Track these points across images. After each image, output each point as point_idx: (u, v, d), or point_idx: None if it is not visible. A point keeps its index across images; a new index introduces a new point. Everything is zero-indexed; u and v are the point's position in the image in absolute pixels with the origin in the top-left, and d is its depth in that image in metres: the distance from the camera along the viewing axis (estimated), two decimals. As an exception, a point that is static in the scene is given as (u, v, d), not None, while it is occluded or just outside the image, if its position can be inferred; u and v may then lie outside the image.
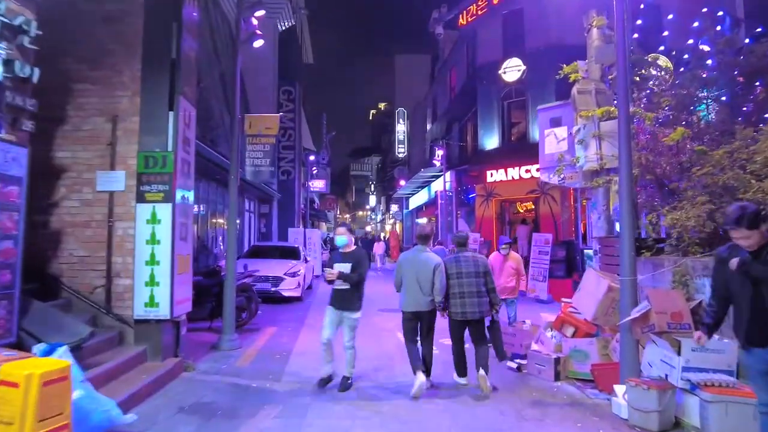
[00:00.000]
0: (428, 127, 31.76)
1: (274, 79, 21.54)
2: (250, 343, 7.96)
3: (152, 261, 5.89)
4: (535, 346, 6.89)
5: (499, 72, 18.42)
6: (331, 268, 5.90)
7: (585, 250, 13.73)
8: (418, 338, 5.79)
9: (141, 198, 5.94)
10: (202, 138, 11.49)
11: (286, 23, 21.84)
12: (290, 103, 22.11)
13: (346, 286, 5.85)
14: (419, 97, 36.97)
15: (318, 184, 25.85)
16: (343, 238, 6.06)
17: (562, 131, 8.17)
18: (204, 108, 13.01)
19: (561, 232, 16.46)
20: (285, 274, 12.76)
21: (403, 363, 6.35)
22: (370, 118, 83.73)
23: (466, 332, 5.85)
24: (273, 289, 12.54)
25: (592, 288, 6.31)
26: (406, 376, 5.81)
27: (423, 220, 29.00)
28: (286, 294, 12.63)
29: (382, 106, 74.28)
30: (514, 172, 18.00)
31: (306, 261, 14.53)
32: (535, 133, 17.70)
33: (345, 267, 5.82)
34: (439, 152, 18.51)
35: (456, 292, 5.61)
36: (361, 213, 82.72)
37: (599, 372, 5.64)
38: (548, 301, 14.60)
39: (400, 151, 39.27)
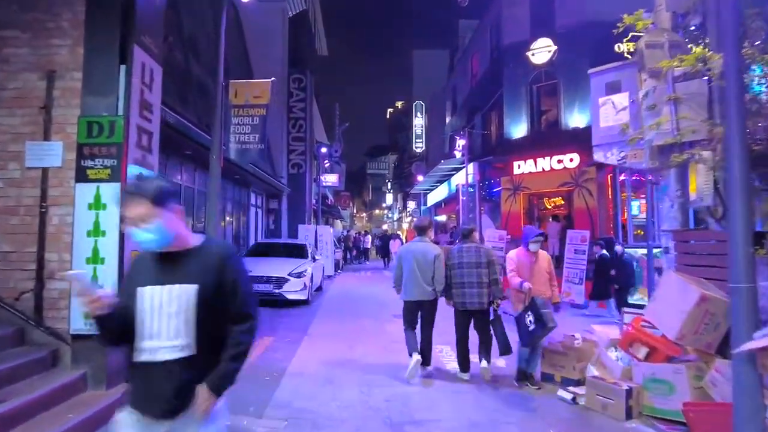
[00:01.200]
0: (447, 120, 30.16)
1: (284, 67, 20.21)
2: (236, 359, 6.53)
3: (95, 258, 4.50)
4: (594, 370, 5.34)
5: (527, 54, 16.81)
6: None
7: (629, 250, 12.06)
8: (418, 327, 5.91)
9: (82, 176, 4.56)
10: (197, 122, 10.18)
11: (296, 7, 20.50)
12: (301, 92, 20.76)
13: None
14: (437, 91, 35.41)
15: (331, 179, 24.45)
16: None
17: (621, 98, 6.57)
18: (199, 84, 11.69)
19: (598, 229, 14.77)
20: (289, 274, 11.36)
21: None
22: (387, 116, 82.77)
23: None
24: (276, 291, 11.16)
25: (675, 297, 4.75)
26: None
27: (442, 218, 27.42)
28: (290, 297, 11.24)
29: (399, 104, 73.50)
30: (544, 163, 16.35)
31: (314, 260, 13.12)
32: (568, 120, 16.09)
33: None
34: (461, 142, 16.94)
35: (457, 282, 5.60)
36: (377, 212, 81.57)
37: (698, 415, 4.07)
38: (584, 306, 13.00)
39: (418, 145, 37.69)
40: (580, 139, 15.55)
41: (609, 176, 15.20)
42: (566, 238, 17.20)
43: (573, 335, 6.31)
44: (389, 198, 67.26)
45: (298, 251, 13.11)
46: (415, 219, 39.59)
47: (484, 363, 5.55)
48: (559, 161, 15.96)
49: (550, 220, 17.42)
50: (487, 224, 17.56)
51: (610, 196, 15.23)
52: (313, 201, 20.98)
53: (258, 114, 6.15)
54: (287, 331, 8.66)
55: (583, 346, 5.98)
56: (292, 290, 11.29)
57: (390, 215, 66.32)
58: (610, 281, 10.21)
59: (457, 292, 5.62)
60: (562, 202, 19.77)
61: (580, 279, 13.37)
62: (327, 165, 22.86)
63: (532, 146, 16.64)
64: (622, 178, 14.69)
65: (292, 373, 6.10)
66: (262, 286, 11.13)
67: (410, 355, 5.68)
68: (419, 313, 5.87)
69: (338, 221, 35.43)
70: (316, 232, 19.19)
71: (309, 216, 20.73)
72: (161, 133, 5.33)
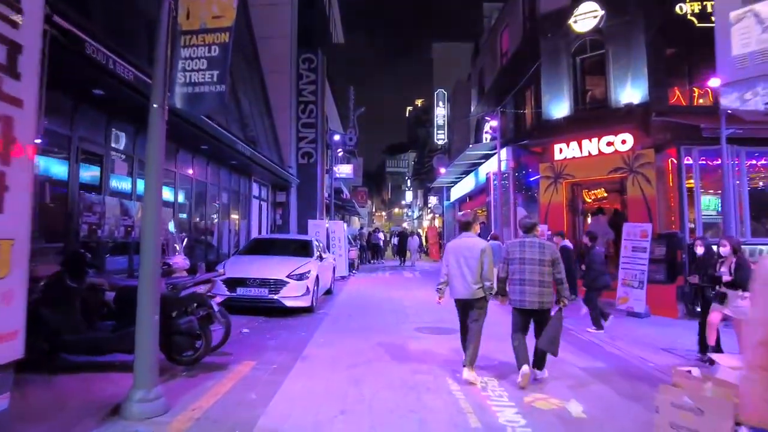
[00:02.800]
0: (473, 108, 27.88)
1: (293, 46, 18.25)
2: (189, 402, 4.48)
3: None
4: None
5: (569, 22, 14.49)
6: None
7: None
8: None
9: None
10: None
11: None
12: (311, 73, 18.77)
13: None
14: (461, 80, 33.13)
15: (345, 170, 22.40)
16: None
17: (769, 9, 4.33)
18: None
19: (658, 223, 12.41)
20: (288, 276, 9.33)
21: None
22: (407, 114, 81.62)
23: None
24: (271, 296, 9.15)
25: None
26: None
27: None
28: (288, 304, 9.22)
29: (419, 102, 72.41)
30: (591, 146, 14.00)
31: (321, 259, 11.07)
32: (619, 95, 13.74)
33: None
34: (492, 123, 14.72)
35: (516, 279, 5.24)
36: (397, 210, 79.96)
37: None
38: (644, 315, 10.74)
39: (440, 137, 35.41)
40: (635, 118, 13.26)
41: (670, 160, 12.82)
42: (609, 233, 14.93)
43: (688, 370, 4.01)
44: (409, 195, 65.19)
45: (301, 249, 11.08)
46: (436, 217, 37.72)
47: (525, 368, 5.09)
48: (609, 144, 13.60)
49: (594, 214, 15.11)
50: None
51: (671, 184, 12.83)
52: (326, 194, 18.97)
53: (219, 42, 4.08)
54: (276, 351, 6.60)
55: (716, 392, 3.71)
56: (292, 295, 9.26)
57: (410, 213, 64.16)
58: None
59: (515, 289, 5.26)
60: (605, 195, 17.39)
61: (640, 282, 11.09)
62: (340, 154, 20.79)
63: (575, 127, 14.32)
64: (688, 161, 12.31)
65: (266, 427, 4.02)
66: (253, 291, 9.14)
67: (463, 366, 5.34)
68: (469, 313, 5.47)
69: (355, 218, 33.40)
70: (327, 228, 17.18)
71: (321, 211, 18.74)
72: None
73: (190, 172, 10.53)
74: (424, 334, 8.05)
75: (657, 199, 12.72)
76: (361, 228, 28.67)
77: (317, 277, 10.19)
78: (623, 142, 13.41)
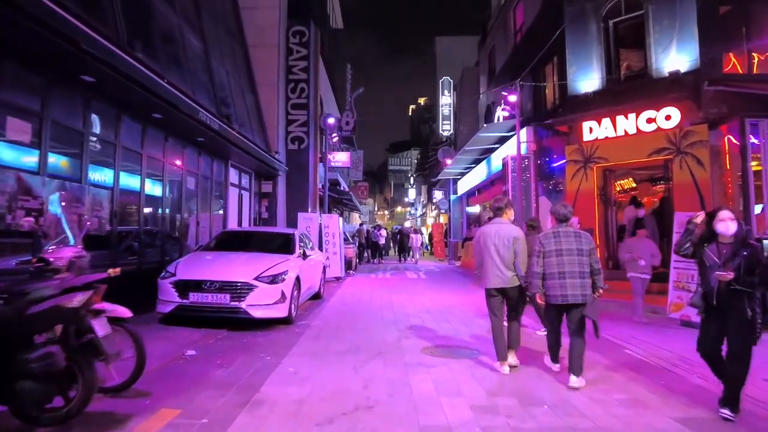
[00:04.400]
0: (481, 97, 25.74)
1: (281, 17, 16.15)
2: None
3: None
4: None
5: (599, -20, 12.37)
6: None
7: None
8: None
9: None
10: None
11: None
12: (303, 48, 16.65)
13: None
14: (468, 67, 30.96)
15: (341, 158, 20.23)
16: None
17: None
18: None
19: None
20: (258, 278, 7.24)
21: None
22: (410, 112, 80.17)
23: None
24: (234, 304, 7.07)
25: None
26: None
27: (475, 208, 22.99)
28: (257, 314, 7.12)
29: (422, 100, 71.47)
30: (627, 124, 11.86)
31: (305, 257, 8.96)
32: (661, 63, 11.58)
33: None
34: (511, 98, 12.56)
35: (554, 272, 4.88)
36: (399, 209, 78.19)
37: None
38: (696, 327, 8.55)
39: (445, 128, 33.19)
40: (683, 88, 11.10)
41: (727, 138, 10.67)
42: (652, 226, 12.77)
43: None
44: (412, 193, 63.03)
45: (280, 245, 8.99)
46: (441, 213, 35.48)
47: (574, 378, 4.73)
48: (650, 120, 11.45)
49: (629, 204, 12.95)
50: (547, 209, 13.11)
51: (728, 166, 10.68)
52: (319, 185, 16.85)
53: None
54: (220, 389, 4.50)
55: None
56: (261, 303, 7.16)
57: (413, 211, 62.01)
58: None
59: (555, 283, 4.86)
60: (633, 185, 15.23)
61: (698, 284, 8.94)
62: (335, 139, 18.63)
63: (608, 102, 12.17)
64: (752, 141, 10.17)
65: None
66: (211, 297, 7.05)
67: (498, 360, 5.22)
68: (504, 302, 5.35)
69: (355, 214, 31.25)
70: (320, 222, 15.07)
71: (313, 203, 16.63)
72: None
73: (140, 147, 8.42)
74: (435, 357, 5.93)
75: (711, 185, 10.57)
76: (360, 224, 26.50)
77: (298, 279, 8.08)
78: (667, 117, 11.26)
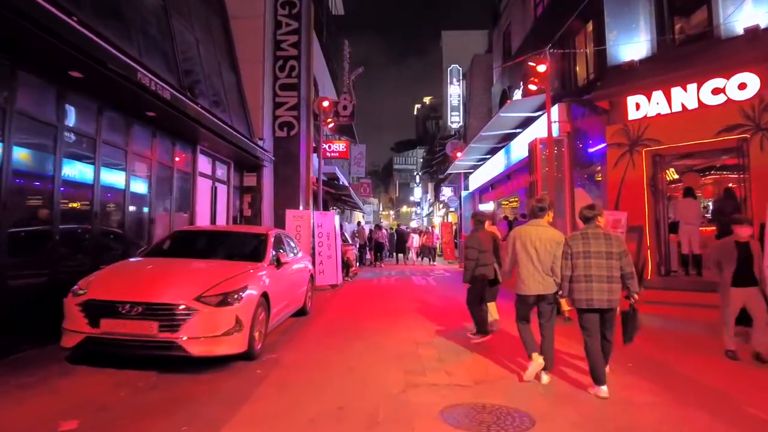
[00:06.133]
0: (495, 85, 23.49)
1: (268, -16, 13.96)
2: None
3: None
4: None
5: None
6: None
7: None
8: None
9: None
10: None
11: None
12: (293, 20, 14.43)
13: None
14: (479, 54, 28.69)
15: (337, 148, 17.94)
16: None
17: None
18: None
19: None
20: (200, 298, 5.03)
21: None
22: (415, 112, 78.70)
23: None
24: (164, 336, 4.85)
25: None
26: None
27: (489, 206, 20.66)
28: (195, 351, 4.95)
29: (427, 99, 70.06)
30: (686, 97, 9.57)
31: (279, 265, 6.71)
32: (731, 20, 9.30)
33: None
34: (540, 68, 10.26)
35: (581, 275, 4.65)
36: (405, 209, 76.27)
37: None
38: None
39: (454, 120, 30.89)
40: (763, 48, 8.82)
41: (823, 110, 8.36)
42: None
43: None
44: (417, 192, 60.79)
45: (246, 249, 6.79)
46: (450, 212, 33.15)
47: (603, 388, 4.56)
48: (717, 91, 9.15)
49: (684, 195, 10.69)
50: (585, 203, 10.81)
51: (825, 146, 8.37)
52: (313, 178, 14.65)
53: None
54: None
55: None
56: (204, 334, 4.96)
57: (419, 211, 59.73)
58: None
59: (581, 286, 4.64)
60: (676, 176, 12.94)
61: None
62: (330, 126, 16.37)
63: (660, 71, 9.88)
64: None
65: None
66: (130, 326, 4.85)
67: (530, 357, 4.99)
68: (538, 309, 5.03)
69: (357, 213, 29.00)
70: (313, 219, 12.88)
71: (306, 199, 14.42)
72: None
73: (55, 118, 6.23)
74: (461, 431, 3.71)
75: (803, 170, 8.27)
76: (359, 223, 24.24)
77: (266, 296, 5.88)
78: (741, 86, 8.94)
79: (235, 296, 5.22)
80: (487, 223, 7.38)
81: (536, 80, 10.65)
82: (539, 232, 4.99)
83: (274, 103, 14.20)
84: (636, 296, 4.72)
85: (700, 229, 10.45)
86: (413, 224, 49.18)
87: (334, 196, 19.24)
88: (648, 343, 6.72)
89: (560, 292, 4.87)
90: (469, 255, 6.96)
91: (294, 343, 6.60)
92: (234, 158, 12.07)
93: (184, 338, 4.83)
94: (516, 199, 17.05)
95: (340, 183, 19.05)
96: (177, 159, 9.46)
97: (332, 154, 17.63)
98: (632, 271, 4.66)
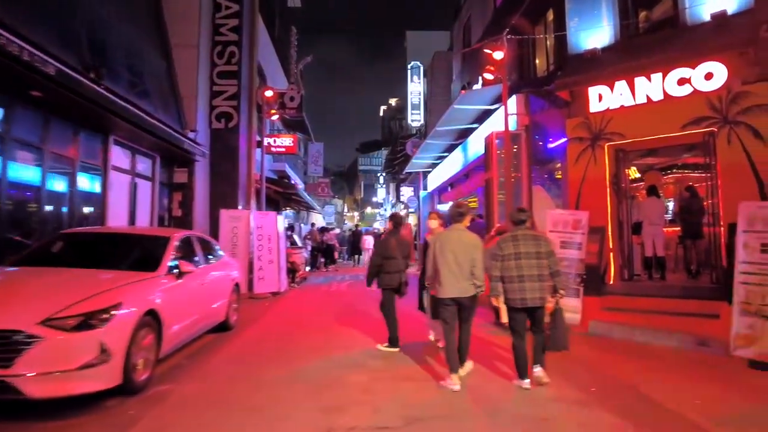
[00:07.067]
0: (454, 82, 22.78)
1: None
2: None
3: None
4: None
5: None
6: None
7: None
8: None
9: None
10: None
11: None
12: (233, 3, 13.17)
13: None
14: (440, 52, 27.99)
15: (283, 142, 16.68)
16: None
17: None
18: None
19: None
20: (47, 322, 3.84)
21: None
22: (381, 113, 78.17)
23: None
24: (-10, 375, 3.62)
25: None
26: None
27: (447, 207, 19.82)
28: (39, 394, 3.72)
29: (393, 101, 69.86)
30: (651, 88, 8.89)
31: (180, 275, 5.53)
32: (698, 4, 8.71)
33: None
34: (496, 55, 9.42)
35: (514, 276, 4.87)
36: (369, 210, 75.42)
37: None
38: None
39: (415, 118, 30.09)
40: (731, 36, 8.20)
41: (792, 101, 7.79)
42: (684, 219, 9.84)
43: None
44: (381, 193, 59.97)
45: (140, 255, 5.62)
46: (410, 213, 32.31)
47: (538, 368, 4.91)
48: (682, 81, 8.49)
49: (648, 194, 10.08)
50: (545, 202, 10.07)
51: (795, 141, 7.81)
52: (257, 174, 13.42)
53: None
54: None
55: None
56: (52, 370, 3.77)
57: (382, 212, 58.88)
58: None
59: (513, 287, 4.86)
60: (638, 175, 12.40)
61: None
62: (275, 118, 15.14)
63: (624, 60, 9.19)
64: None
65: None
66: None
67: (451, 372, 4.93)
68: (458, 311, 5.06)
69: (317, 215, 27.71)
70: (253, 221, 11.69)
71: (247, 197, 13.18)
72: None
73: None
74: None
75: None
76: (313, 225, 23.05)
77: (155, 315, 4.72)
78: (708, 76, 8.30)
79: (102, 317, 4.06)
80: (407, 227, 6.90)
81: (492, 69, 9.80)
82: (458, 236, 5.10)
83: (212, 91, 12.93)
84: (562, 292, 5.01)
85: (664, 229, 9.84)
86: (377, 225, 48.26)
87: (285, 196, 18.03)
88: (609, 358, 5.92)
89: (481, 291, 5.03)
90: (373, 260, 6.42)
91: (198, 368, 5.46)
92: (160, 151, 10.76)
93: (22, 375, 3.65)
94: (475, 199, 16.25)
95: (292, 181, 17.84)
96: (81, 150, 8.13)
97: (277, 149, 16.40)
98: (559, 270, 4.97)
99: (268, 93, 12.96)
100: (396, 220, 6.89)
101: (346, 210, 78.06)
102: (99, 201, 8.63)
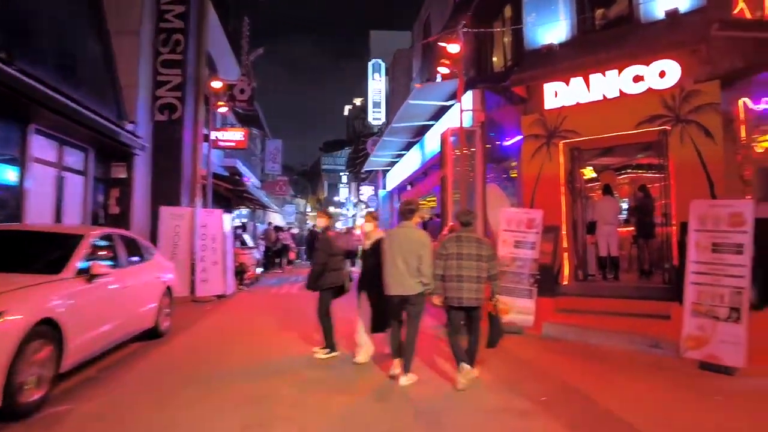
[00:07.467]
0: (414, 80, 22.47)
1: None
2: None
3: None
4: None
5: None
6: None
7: None
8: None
9: None
10: None
11: None
12: (178, -15, 12.41)
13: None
14: (403, 49, 27.66)
15: (233, 136, 15.89)
16: None
17: None
18: None
19: (722, 198, 7.31)
20: None
21: None
22: (346, 113, 77.51)
23: None
24: None
25: None
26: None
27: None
28: None
29: (358, 101, 69.18)
30: (606, 85, 8.77)
31: (92, 278, 4.92)
32: (650, 5, 8.64)
33: None
34: (452, 48, 9.08)
35: (453, 275, 4.97)
36: (333, 210, 74.60)
37: None
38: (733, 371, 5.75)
39: (376, 116, 29.71)
40: (683, 34, 8.13)
41: (742, 101, 7.80)
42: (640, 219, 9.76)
43: None
44: (343, 192, 59.33)
45: (44, 255, 4.98)
46: (371, 209, 31.92)
47: (463, 366, 4.83)
48: (637, 78, 8.40)
49: (603, 193, 9.98)
50: (499, 201, 9.81)
51: (743, 138, 7.80)
52: (202, 169, 12.70)
53: None
54: None
55: None
56: None
57: (344, 212, 58.25)
58: None
59: (452, 285, 4.96)
60: (594, 175, 12.43)
61: (732, 311, 6.07)
62: (224, 110, 14.41)
63: (579, 56, 9.04)
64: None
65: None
66: None
67: (393, 357, 5.19)
68: (405, 308, 5.10)
69: (271, 213, 26.84)
70: (197, 220, 11.02)
71: (191, 194, 12.44)
72: None
73: None
74: None
75: (724, 164, 7.62)
76: (270, 224, 22.29)
77: (49, 323, 4.11)
78: (662, 74, 8.23)
79: None
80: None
81: (448, 63, 9.49)
82: (406, 234, 5.08)
83: (155, 81, 12.13)
84: (498, 296, 5.10)
85: (618, 229, 9.76)
86: (339, 225, 47.67)
87: (237, 194, 17.29)
88: (562, 362, 5.65)
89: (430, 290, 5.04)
90: (317, 258, 5.96)
91: (110, 383, 4.85)
92: (94, 144, 9.95)
93: None
94: (434, 198, 15.98)
95: (244, 178, 17.10)
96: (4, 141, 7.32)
97: (226, 143, 15.63)
98: (497, 273, 5.11)
99: (216, 84, 12.27)
100: (327, 214, 6.80)
101: (309, 210, 77.07)
102: (16, 195, 7.81)
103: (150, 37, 12.07)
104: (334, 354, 5.96)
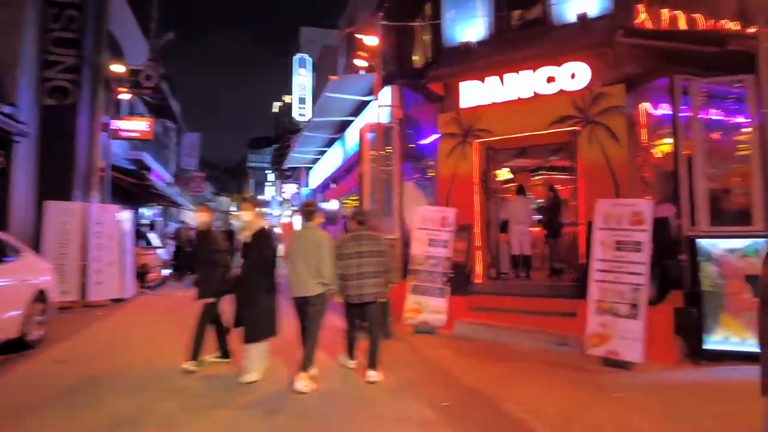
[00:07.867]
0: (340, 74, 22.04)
1: None
2: None
3: None
4: None
5: None
6: None
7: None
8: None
9: None
10: None
11: None
12: (72, -42, 11.20)
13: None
14: (330, 44, 27.18)
15: (137, 126, 14.60)
16: None
17: None
18: None
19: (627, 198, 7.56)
20: None
21: None
22: (276, 110, 75.64)
23: None
24: None
25: None
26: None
27: (333, 204, 19.08)
28: None
29: (287, 98, 67.81)
30: (520, 86, 8.84)
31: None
32: (563, 7, 8.81)
33: None
34: (368, 41, 8.79)
35: (354, 273, 5.10)
36: (259, 209, 72.39)
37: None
38: (631, 365, 5.94)
39: (301, 113, 28.96)
40: (593, 37, 8.32)
41: (641, 105, 8.13)
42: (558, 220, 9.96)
43: None
44: (269, 191, 57.79)
45: None
46: (295, 208, 31.11)
47: (370, 374, 4.94)
48: (550, 79, 8.52)
49: (516, 193, 10.11)
50: (416, 199, 9.65)
51: (645, 141, 8.13)
52: (100, 162, 11.54)
53: None
54: None
55: None
56: None
57: (271, 211, 56.72)
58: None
59: (353, 284, 5.11)
60: (510, 176, 12.63)
61: (633, 307, 6.25)
62: (127, 97, 13.23)
63: (494, 55, 9.05)
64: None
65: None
66: None
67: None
68: (307, 309, 4.95)
69: (184, 210, 25.20)
70: (91, 217, 9.96)
71: (85, 188, 11.26)
72: None
73: None
74: None
75: (628, 164, 7.89)
76: (183, 222, 20.97)
77: None
78: (573, 76, 8.40)
79: None
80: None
81: (365, 55, 9.19)
82: (306, 235, 5.08)
83: (44, 61, 10.86)
84: (391, 285, 5.46)
85: (530, 229, 9.90)
86: (264, 224, 46.06)
87: (144, 189, 16.01)
88: (470, 364, 5.51)
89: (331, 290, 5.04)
90: (219, 259, 5.42)
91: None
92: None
93: None
94: (356, 197, 15.66)
95: (152, 172, 15.85)
96: None
97: (129, 133, 14.35)
98: (392, 266, 5.46)
99: (118, 68, 11.21)
100: (203, 209, 6.11)
101: (233, 208, 74.38)
102: None
103: (37, 10, 10.80)
104: (226, 360, 5.51)
